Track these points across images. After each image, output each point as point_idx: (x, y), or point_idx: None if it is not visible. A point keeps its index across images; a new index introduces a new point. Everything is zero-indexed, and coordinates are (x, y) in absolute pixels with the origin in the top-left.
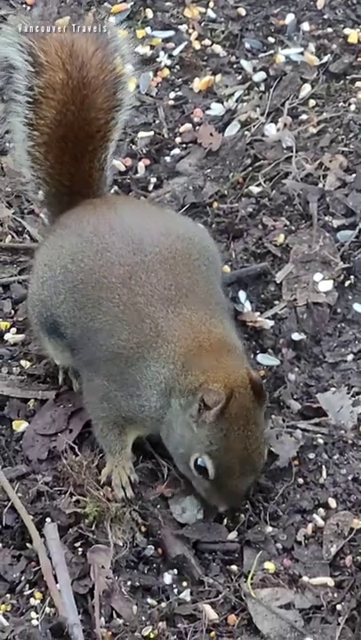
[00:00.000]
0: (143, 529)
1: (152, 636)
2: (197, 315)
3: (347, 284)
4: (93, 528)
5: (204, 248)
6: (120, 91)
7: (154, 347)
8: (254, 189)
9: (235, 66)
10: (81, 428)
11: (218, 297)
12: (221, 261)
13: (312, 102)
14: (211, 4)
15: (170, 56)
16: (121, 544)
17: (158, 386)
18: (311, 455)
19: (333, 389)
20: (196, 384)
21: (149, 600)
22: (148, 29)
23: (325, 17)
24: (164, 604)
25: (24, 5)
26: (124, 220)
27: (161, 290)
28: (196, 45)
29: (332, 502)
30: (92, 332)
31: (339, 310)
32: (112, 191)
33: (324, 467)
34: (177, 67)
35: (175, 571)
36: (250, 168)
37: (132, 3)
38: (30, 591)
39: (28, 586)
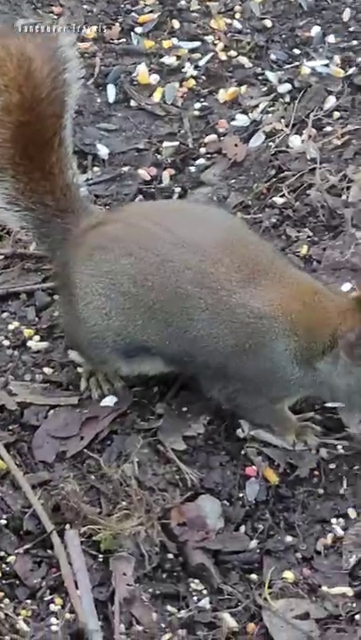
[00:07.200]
0: (164, 538)
1: None
2: (277, 277)
3: None
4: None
5: (233, 219)
6: (66, 99)
7: (264, 330)
8: (278, 200)
9: (260, 77)
10: (93, 436)
11: (272, 250)
12: None
13: (337, 114)
14: (237, 16)
15: (196, 67)
16: (143, 552)
17: (295, 359)
18: (332, 466)
19: None
20: (329, 341)
21: (169, 608)
22: (174, 40)
23: (351, 29)
24: (183, 612)
25: (51, 14)
26: (165, 226)
27: (234, 275)
28: (222, 56)
29: (352, 513)
30: (190, 342)
31: None
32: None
33: (344, 477)
34: (203, 77)
35: (195, 579)
36: (274, 179)
37: (159, 13)
38: (51, 597)
39: (48, 591)
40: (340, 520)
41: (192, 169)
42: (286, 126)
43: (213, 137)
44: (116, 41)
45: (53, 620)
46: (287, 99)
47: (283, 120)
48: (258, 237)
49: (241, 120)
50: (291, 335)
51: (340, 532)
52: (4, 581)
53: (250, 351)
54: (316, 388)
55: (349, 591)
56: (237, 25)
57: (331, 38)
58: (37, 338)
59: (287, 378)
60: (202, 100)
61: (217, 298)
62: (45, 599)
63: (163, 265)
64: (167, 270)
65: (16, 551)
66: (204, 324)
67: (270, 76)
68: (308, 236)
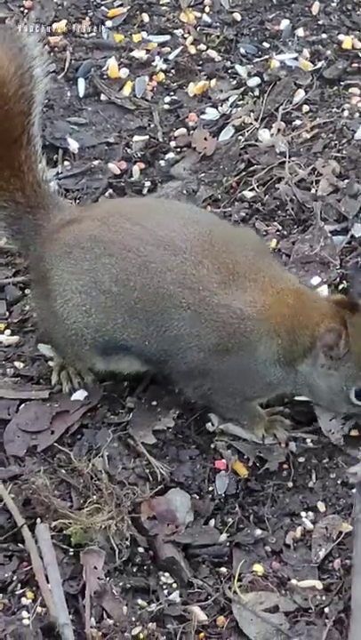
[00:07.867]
0: (134, 532)
1: (142, 636)
2: (259, 278)
3: (340, 288)
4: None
5: (210, 216)
6: (34, 96)
7: (248, 331)
8: (247, 194)
9: (229, 71)
10: (63, 431)
11: (255, 248)
12: None
13: (306, 108)
14: (206, 9)
15: (165, 60)
16: (113, 546)
17: (277, 360)
18: (301, 459)
19: None
20: (309, 341)
21: (140, 601)
22: (143, 34)
23: (320, 23)
24: (154, 606)
25: (21, 9)
26: (144, 226)
27: (215, 276)
28: (192, 50)
29: (321, 506)
30: (171, 342)
31: None
32: (106, 195)
33: (313, 471)
34: (172, 71)
35: (166, 573)
36: (243, 173)
37: (129, 7)
38: (22, 590)
39: (19, 585)
40: (310, 513)
41: (162, 163)
42: (256, 120)
43: (183, 131)
44: (86, 35)
45: (24, 613)
46: (256, 92)
47: (252, 114)
48: (239, 234)
49: (211, 114)
50: (274, 337)
51: (309, 525)
52: None
53: (232, 350)
54: (296, 388)
55: (319, 584)
56: (207, 18)
57: (300, 32)
58: (8, 332)
59: (268, 378)
60: (171, 93)
61: (199, 297)
62: (16, 593)
63: (145, 266)
64: (150, 271)
65: None
66: (185, 322)
67: (240, 69)
68: (278, 230)
